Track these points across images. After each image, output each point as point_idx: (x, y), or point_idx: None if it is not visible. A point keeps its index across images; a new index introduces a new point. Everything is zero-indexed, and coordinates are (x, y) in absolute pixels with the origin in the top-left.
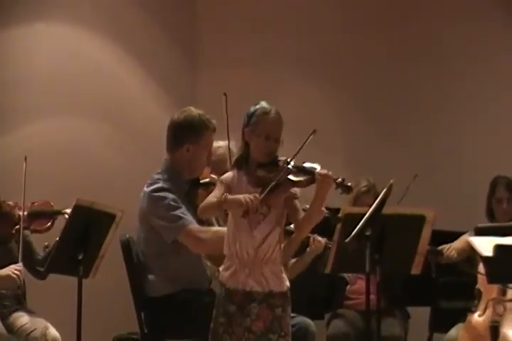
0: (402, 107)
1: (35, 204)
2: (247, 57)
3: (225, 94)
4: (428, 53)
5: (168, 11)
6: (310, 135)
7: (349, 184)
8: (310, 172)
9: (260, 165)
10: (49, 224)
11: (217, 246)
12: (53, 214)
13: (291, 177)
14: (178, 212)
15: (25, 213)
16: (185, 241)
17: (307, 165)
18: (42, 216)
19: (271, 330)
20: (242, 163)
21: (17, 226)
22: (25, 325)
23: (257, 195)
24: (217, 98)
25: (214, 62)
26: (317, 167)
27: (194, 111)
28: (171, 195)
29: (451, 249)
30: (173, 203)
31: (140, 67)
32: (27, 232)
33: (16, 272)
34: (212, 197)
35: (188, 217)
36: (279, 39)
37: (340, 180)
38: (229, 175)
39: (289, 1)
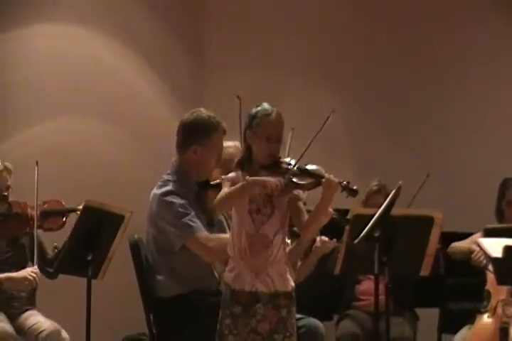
0: (411, 108)
1: (47, 203)
2: (256, 59)
3: (238, 97)
4: (436, 54)
5: (177, 13)
6: (326, 121)
7: (355, 187)
8: (315, 175)
9: (263, 166)
10: (62, 221)
11: (224, 253)
12: (66, 212)
13: (295, 179)
14: (186, 220)
15: (38, 213)
16: (193, 248)
17: (311, 167)
18: (54, 214)
19: (276, 331)
20: (245, 164)
21: (30, 226)
22: (34, 325)
23: (282, 180)
24: (226, 99)
25: (223, 64)
26: (322, 170)
27: (204, 112)
28: (180, 200)
29: (480, 254)
30: (181, 209)
31: (148, 68)
32: (39, 231)
33: (32, 275)
34: (223, 193)
35: (197, 224)
36: (288, 41)
37: (345, 183)
38: (233, 174)
39: (300, 4)
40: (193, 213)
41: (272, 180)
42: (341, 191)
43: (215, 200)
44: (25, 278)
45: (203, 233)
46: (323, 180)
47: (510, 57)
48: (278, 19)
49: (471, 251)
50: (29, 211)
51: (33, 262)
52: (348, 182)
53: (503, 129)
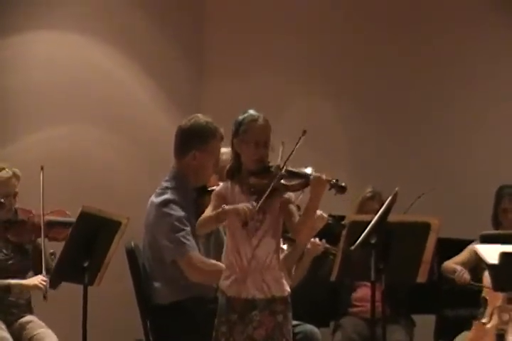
0: (411, 108)
1: (51, 213)
2: (256, 59)
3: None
4: (436, 54)
5: (177, 13)
6: (300, 137)
7: (343, 184)
8: (303, 175)
9: (252, 173)
10: (67, 233)
11: (212, 278)
12: (71, 224)
13: (284, 182)
14: (180, 235)
15: (44, 221)
16: (184, 267)
17: (299, 169)
18: (60, 225)
19: (272, 337)
20: (234, 173)
21: (35, 234)
22: (29, 330)
23: (254, 203)
24: (224, 103)
25: (222, 66)
26: (310, 170)
27: (202, 118)
28: (177, 213)
29: (462, 273)
30: (177, 223)
31: (146, 74)
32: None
33: (43, 282)
34: (208, 211)
35: (190, 243)
36: (288, 41)
37: (334, 180)
38: (222, 186)
39: (300, 4)
40: (188, 229)
41: (243, 206)
42: (329, 188)
43: (198, 220)
44: (35, 286)
45: (196, 253)
46: (311, 177)
47: (510, 57)
48: (278, 19)
49: (454, 271)
50: (35, 219)
51: (34, 270)
52: (337, 180)
53: (503, 129)
